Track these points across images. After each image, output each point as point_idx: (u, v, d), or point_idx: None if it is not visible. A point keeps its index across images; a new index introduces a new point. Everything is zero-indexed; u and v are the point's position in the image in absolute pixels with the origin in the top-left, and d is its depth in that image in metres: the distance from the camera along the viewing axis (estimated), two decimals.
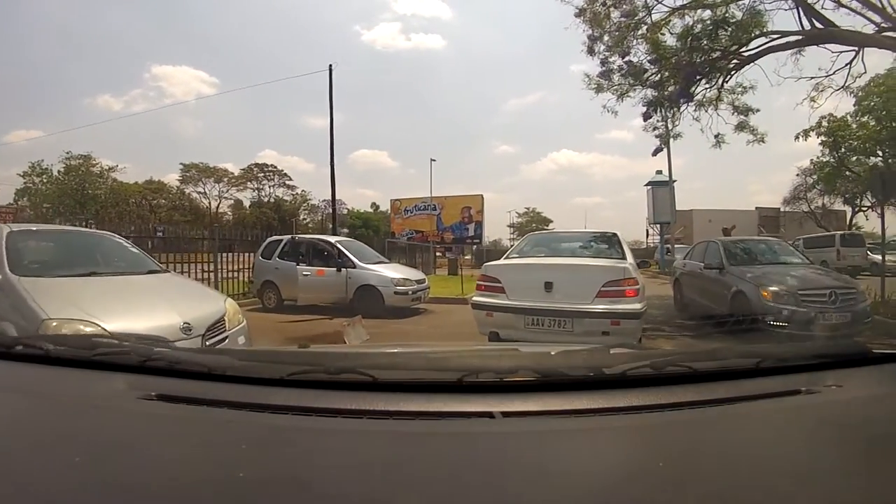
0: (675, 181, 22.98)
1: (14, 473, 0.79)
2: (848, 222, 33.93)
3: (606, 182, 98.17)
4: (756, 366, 1.17)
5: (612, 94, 12.41)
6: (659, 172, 24.94)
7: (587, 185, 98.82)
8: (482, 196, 34.91)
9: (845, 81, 11.79)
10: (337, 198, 20.14)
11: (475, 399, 1.01)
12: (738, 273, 7.71)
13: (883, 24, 9.39)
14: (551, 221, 60.18)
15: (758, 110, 12.25)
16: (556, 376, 1.11)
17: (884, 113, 21.32)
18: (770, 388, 1.09)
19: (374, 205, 60.60)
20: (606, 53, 11.89)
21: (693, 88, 11.18)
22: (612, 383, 1.08)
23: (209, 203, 58.73)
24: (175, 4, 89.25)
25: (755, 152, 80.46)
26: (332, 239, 11.53)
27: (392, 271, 10.68)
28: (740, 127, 12.24)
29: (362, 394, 1.02)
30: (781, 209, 44.13)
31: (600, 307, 5.11)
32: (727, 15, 10.33)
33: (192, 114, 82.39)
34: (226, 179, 59.40)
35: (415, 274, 11.43)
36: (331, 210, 24.78)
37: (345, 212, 59.57)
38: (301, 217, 62.14)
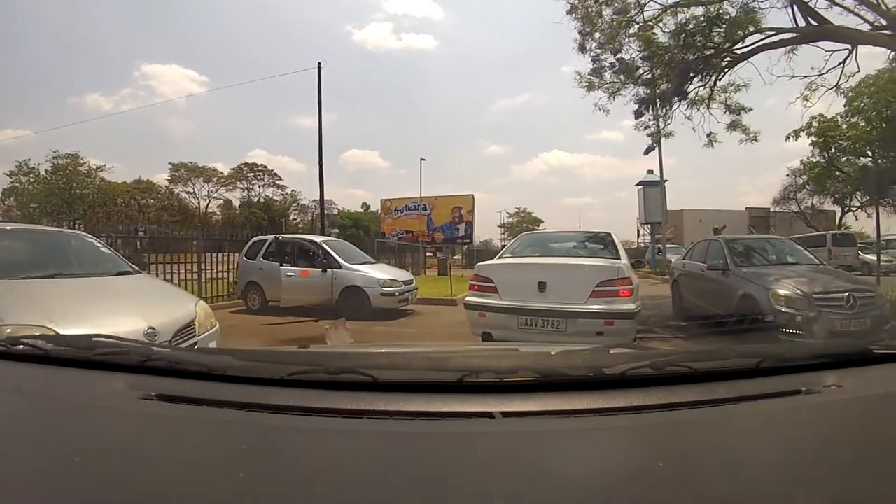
0: (666, 181, 22.83)
1: (14, 473, 0.79)
2: (837, 222, 34.10)
3: (597, 182, 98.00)
4: (756, 366, 1.17)
5: (604, 92, 12.31)
6: (650, 172, 24.88)
7: (578, 186, 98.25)
8: (472, 196, 34.88)
9: (838, 81, 11.78)
10: (328, 198, 20.03)
11: (475, 399, 1.01)
12: (745, 275, 7.08)
13: (877, 23, 9.30)
14: (542, 222, 60.14)
15: (750, 109, 12.17)
16: (556, 376, 1.11)
17: (874, 113, 21.43)
18: (770, 388, 1.09)
19: (364, 205, 60.34)
20: (598, 51, 11.78)
21: (686, 86, 11.06)
22: (612, 383, 1.08)
23: (198, 203, 58.37)
24: (165, 3, 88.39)
25: (745, 153, 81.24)
26: (318, 239, 11.32)
27: (378, 272, 10.47)
28: (733, 126, 12.10)
29: (362, 394, 1.02)
30: (771, 209, 44.33)
31: (594, 307, 5.05)
32: (721, 12, 10.20)
33: (182, 113, 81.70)
34: (215, 179, 58.85)
35: (402, 274, 11.25)
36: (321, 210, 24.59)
37: (335, 212, 59.39)
38: (291, 217, 61.79)
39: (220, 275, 12.26)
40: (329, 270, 9.91)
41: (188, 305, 4.26)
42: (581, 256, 6.07)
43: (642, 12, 10.98)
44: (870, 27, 9.53)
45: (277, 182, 62.40)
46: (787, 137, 24.31)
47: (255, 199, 61.23)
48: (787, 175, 37.03)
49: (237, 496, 0.71)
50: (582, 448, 0.87)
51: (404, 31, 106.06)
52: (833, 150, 25.33)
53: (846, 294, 6.13)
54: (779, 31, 10.22)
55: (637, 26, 11.12)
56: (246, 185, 61.43)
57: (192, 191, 57.98)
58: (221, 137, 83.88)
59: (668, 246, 24.63)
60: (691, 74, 10.92)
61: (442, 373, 1.14)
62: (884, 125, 21.37)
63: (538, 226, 50.66)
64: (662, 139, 13.37)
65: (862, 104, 21.38)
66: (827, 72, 11.49)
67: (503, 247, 11.15)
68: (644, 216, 26.74)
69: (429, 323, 9.63)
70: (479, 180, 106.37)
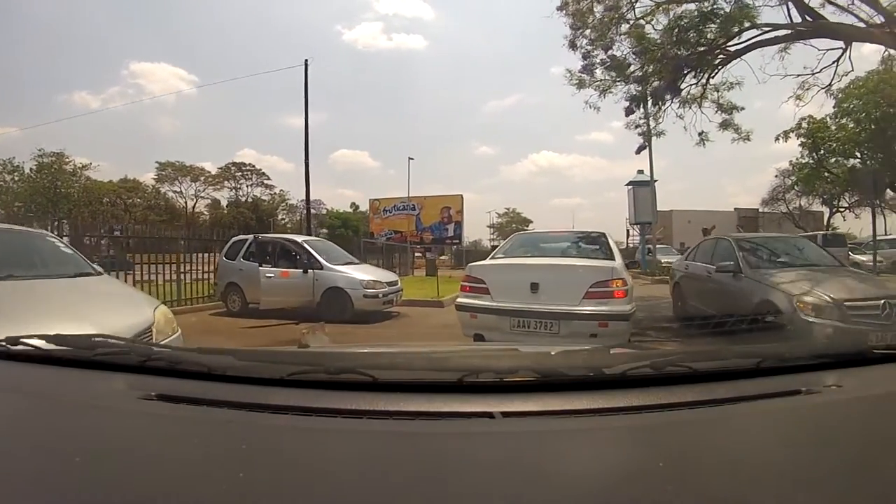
0: (656, 180, 22.69)
1: (14, 473, 0.78)
2: (826, 223, 34.29)
3: (586, 183, 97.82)
4: (756, 366, 1.17)
5: (594, 90, 12.13)
6: (640, 172, 24.71)
7: (567, 187, 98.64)
8: (461, 196, 34.79)
9: (832, 80, 11.66)
10: (317, 198, 19.87)
11: (475, 399, 1.01)
12: (762, 278, 6.28)
13: (871, 21, 9.16)
14: (531, 222, 60.22)
15: (742, 108, 12.02)
16: (556, 376, 1.11)
17: (863, 115, 21.49)
18: (770, 388, 1.09)
19: (353, 205, 59.84)
20: (589, 48, 11.59)
21: (680, 82, 10.88)
22: (612, 383, 1.08)
23: (185, 202, 58.00)
24: (155, 1, 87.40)
25: (733, 155, 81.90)
26: (300, 238, 10.95)
27: (361, 273, 10.16)
28: (725, 125, 11.95)
29: (362, 394, 1.02)
30: (760, 210, 44.60)
31: (588, 308, 4.97)
32: (715, 7, 9.99)
33: (170, 112, 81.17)
34: (202, 178, 58.51)
35: (386, 275, 10.94)
36: (311, 209, 24.26)
37: (324, 212, 59.17)
38: (279, 217, 61.50)
39: (204, 275, 12.08)
40: (310, 271, 9.59)
41: (146, 310, 3.98)
42: (574, 257, 5.97)
43: (633, 8, 10.80)
44: (864, 25, 9.39)
45: (266, 182, 62.28)
46: (777, 139, 24.40)
47: (243, 199, 61.02)
48: (776, 176, 37.35)
49: (237, 496, 0.71)
50: (582, 448, 0.87)
51: (395, 31, 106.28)
52: (822, 152, 25.43)
53: (882, 301, 5.32)
54: (774, 27, 10.08)
55: (628, 25, 10.95)
56: (234, 185, 61.24)
57: (179, 190, 57.71)
58: (210, 137, 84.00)
59: (657, 246, 24.48)
60: (685, 70, 10.70)
61: (442, 373, 1.14)
62: (873, 127, 21.51)
63: (527, 226, 50.57)
64: (653, 138, 13.24)
65: (851, 106, 21.49)
66: (820, 71, 11.42)
67: (493, 247, 10.93)
68: (634, 216, 26.52)
69: (414, 326, 9.39)
70: (468, 181, 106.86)
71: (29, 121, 68.05)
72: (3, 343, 1.31)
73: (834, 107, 20.94)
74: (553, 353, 1.40)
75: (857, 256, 20.59)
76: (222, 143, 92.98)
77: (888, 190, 24.74)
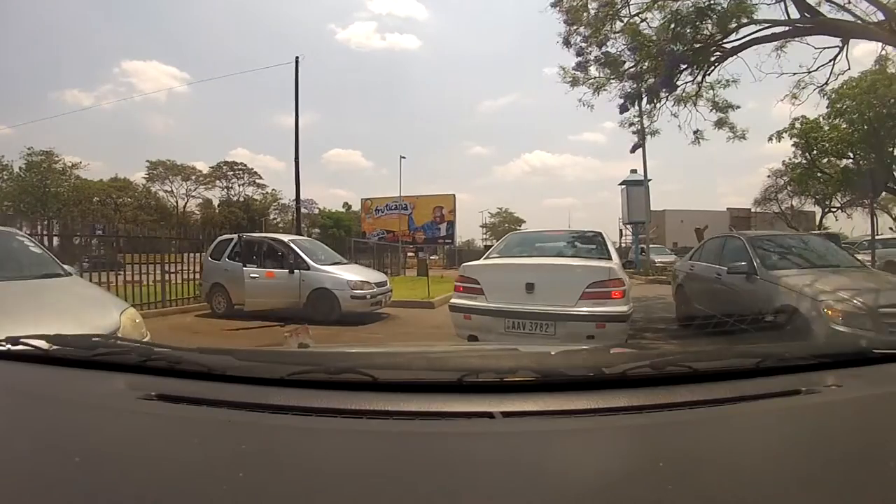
0: (650, 180, 22.57)
1: (14, 473, 0.79)
2: (818, 223, 34.37)
3: (579, 183, 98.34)
4: (756, 366, 1.17)
5: (588, 87, 11.99)
6: (633, 171, 24.60)
7: (560, 186, 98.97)
8: (454, 195, 34.75)
9: (828, 78, 11.57)
10: (309, 198, 19.75)
11: (475, 399, 1.01)
12: (780, 280, 5.61)
13: (868, 19, 9.04)
14: (524, 222, 60.44)
15: (738, 107, 11.90)
16: (556, 376, 1.11)
17: (856, 116, 21.51)
18: (770, 388, 1.08)
19: (346, 204, 59.54)
20: (583, 44, 11.44)
21: (676, 78, 10.71)
22: (612, 383, 1.07)
23: (176, 202, 57.50)
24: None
25: (724, 155, 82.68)
26: (286, 238, 10.65)
27: (349, 273, 9.88)
28: (720, 123, 11.88)
29: (362, 394, 1.02)
30: (752, 210, 44.73)
31: (584, 309, 4.84)
32: (713, 2, 9.77)
33: (162, 111, 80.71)
34: (194, 178, 58.01)
35: (375, 276, 10.64)
36: (303, 209, 24.07)
37: (316, 211, 58.88)
38: (271, 216, 60.95)
39: (192, 276, 11.80)
40: (296, 272, 9.34)
41: (112, 313, 3.87)
42: (571, 256, 5.83)
43: (628, 5, 10.67)
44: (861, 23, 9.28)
45: (258, 181, 61.64)
46: (770, 139, 24.40)
47: (235, 199, 60.49)
48: (769, 176, 37.45)
49: (237, 496, 0.70)
50: (582, 448, 0.87)
51: (388, 31, 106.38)
52: (815, 152, 25.42)
53: None
54: (772, 22, 9.98)
55: (622, 22, 10.78)
56: (225, 184, 60.76)
57: (170, 189, 57.19)
58: (203, 136, 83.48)
59: (651, 246, 24.39)
60: (681, 66, 10.54)
61: (442, 373, 1.14)
62: (865, 127, 21.54)
63: (520, 226, 50.64)
64: (647, 138, 13.09)
65: (845, 106, 21.49)
66: (816, 69, 11.30)
67: (486, 247, 10.71)
68: (627, 215, 26.40)
69: (403, 328, 9.11)
70: (461, 181, 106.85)
71: (19, 119, 67.54)
72: (3, 343, 1.31)
73: (827, 107, 21.02)
74: (553, 353, 1.41)
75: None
76: (215, 143, 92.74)
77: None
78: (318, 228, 50.98)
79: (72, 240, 10.75)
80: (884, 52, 11.22)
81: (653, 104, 11.83)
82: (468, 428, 0.92)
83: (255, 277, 9.18)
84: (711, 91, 11.78)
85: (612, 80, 11.81)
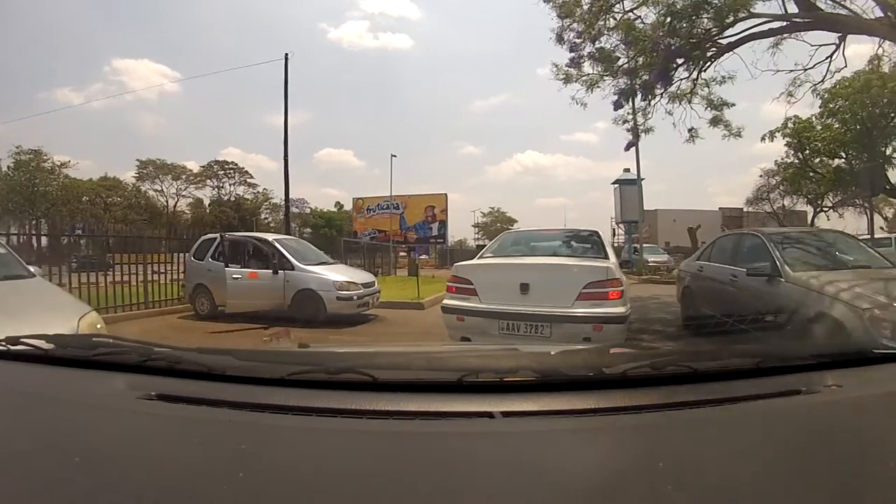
0: (643, 179, 22.43)
1: (14, 473, 0.79)
2: (810, 222, 34.45)
3: (571, 183, 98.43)
4: (756, 366, 1.16)
5: (581, 84, 11.82)
6: (626, 170, 24.54)
7: (552, 186, 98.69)
8: (446, 195, 34.62)
9: (824, 76, 11.46)
10: (301, 197, 19.43)
11: (475, 399, 1.01)
12: (810, 284, 4.86)
13: (865, 16, 8.91)
14: (516, 221, 60.24)
15: (733, 104, 11.74)
16: (556, 376, 1.11)
17: (848, 116, 21.54)
18: (770, 388, 1.08)
19: (338, 204, 59.53)
20: (576, 40, 11.23)
21: (672, 73, 10.55)
22: (612, 383, 1.07)
23: (166, 201, 57.21)
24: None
25: (715, 155, 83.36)
26: (270, 237, 10.24)
27: (335, 273, 9.51)
28: (715, 121, 11.72)
29: (362, 394, 1.02)
30: (744, 209, 44.88)
31: (581, 311, 4.69)
32: None
33: (153, 110, 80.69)
34: (184, 177, 57.69)
35: (362, 276, 10.26)
36: (294, 209, 23.83)
37: (308, 211, 58.58)
38: (262, 216, 60.67)
39: (179, 276, 11.37)
40: (280, 272, 8.97)
41: (69, 319, 3.68)
42: (567, 256, 5.65)
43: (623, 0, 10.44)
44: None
45: (249, 180, 61.27)
46: (763, 138, 24.37)
47: (226, 198, 60.14)
48: (761, 176, 37.53)
49: (237, 496, 0.71)
50: (582, 448, 0.87)
51: (380, 30, 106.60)
52: (807, 151, 25.43)
53: None
54: (770, 17, 9.79)
55: (616, 18, 10.61)
56: (216, 184, 60.39)
57: (160, 189, 56.88)
58: (194, 135, 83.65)
59: (644, 245, 24.30)
60: (677, 60, 10.34)
61: (442, 373, 1.15)
62: (858, 127, 21.57)
63: (512, 226, 50.35)
64: (641, 135, 12.92)
65: (837, 106, 21.51)
66: (813, 67, 11.16)
67: (478, 247, 10.46)
68: (620, 215, 26.35)
69: (391, 331, 8.79)
70: (454, 180, 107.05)
71: (7, 117, 66.80)
72: (3, 343, 1.30)
73: (820, 107, 21.04)
74: (553, 352, 1.41)
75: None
76: (206, 142, 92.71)
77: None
78: (309, 228, 50.76)
79: (59, 239, 10.50)
80: (881, 50, 11.10)
81: (647, 101, 11.67)
82: (468, 428, 0.92)
83: (237, 278, 8.89)
84: (707, 88, 11.66)
85: (605, 77, 11.70)
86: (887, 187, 20.28)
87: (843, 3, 9.34)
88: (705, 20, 9.82)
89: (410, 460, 0.82)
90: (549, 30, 11.45)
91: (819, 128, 23.74)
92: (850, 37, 10.55)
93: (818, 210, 33.35)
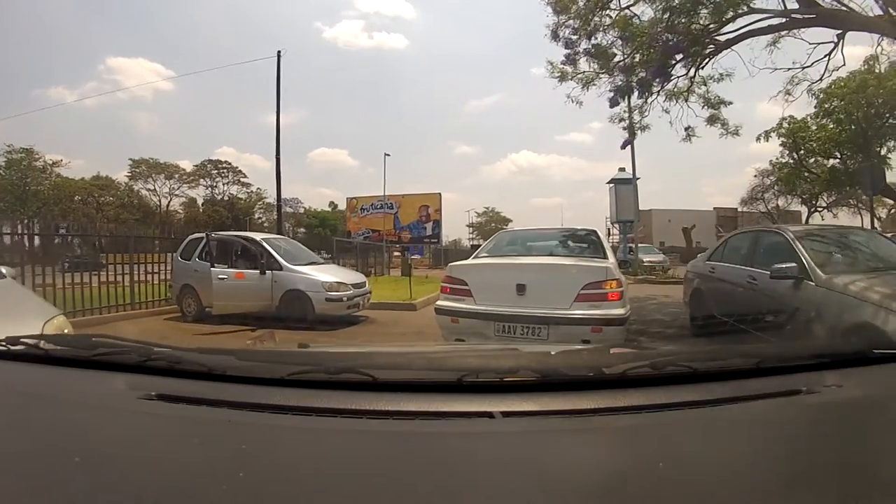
0: (638, 178, 22.28)
1: (14, 473, 0.79)
2: (805, 222, 34.48)
3: (565, 183, 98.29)
4: (756, 366, 1.16)
5: (577, 82, 11.62)
6: (622, 170, 24.35)
7: (546, 186, 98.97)
8: (440, 194, 34.42)
9: (822, 75, 11.36)
10: (294, 196, 19.19)
11: (475, 399, 1.01)
12: (848, 289, 4.16)
13: (864, 13, 8.77)
14: (511, 221, 60.14)
15: (730, 103, 11.63)
16: (556, 376, 1.11)
17: (843, 116, 21.54)
18: (770, 388, 1.08)
19: (332, 203, 59.31)
20: (572, 36, 11.08)
21: (670, 68, 10.39)
22: (612, 383, 1.07)
23: (159, 201, 56.91)
24: None
25: (710, 155, 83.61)
26: (258, 236, 9.96)
27: (324, 274, 9.22)
28: (712, 120, 11.59)
29: (362, 394, 1.02)
30: (739, 209, 44.92)
31: (580, 312, 4.51)
32: None
33: (148, 108, 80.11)
34: (177, 176, 57.42)
35: (352, 276, 9.96)
36: (288, 208, 23.59)
37: (301, 210, 58.21)
38: (256, 215, 60.31)
39: (168, 277, 10.89)
40: (268, 272, 8.69)
41: (33, 323, 3.33)
42: (564, 256, 5.51)
43: None
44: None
45: (242, 180, 60.94)
46: (758, 138, 24.37)
47: (220, 198, 59.81)
48: (755, 176, 37.63)
49: (237, 496, 0.71)
50: (582, 448, 0.87)
51: (375, 30, 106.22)
52: (802, 151, 25.42)
53: None
54: (770, 12, 9.64)
55: (613, 14, 10.45)
56: (209, 183, 60.05)
57: (153, 188, 56.57)
58: (188, 134, 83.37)
59: (639, 245, 24.17)
60: (678, 57, 10.18)
61: (442, 372, 1.15)
62: (853, 127, 21.58)
63: (507, 225, 50.17)
64: (636, 134, 12.77)
65: (833, 106, 21.49)
66: (811, 65, 11.03)
67: (473, 247, 10.22)
68: (615, 214, 26.12)
69: (381, 333, 8.45)
70: (448, 180, 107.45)
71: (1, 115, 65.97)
72: (3, 343, 1.30)
73: (815, 107, 20.99)
74: (553, 352, 1.40)
75: None
76: (200, 141, 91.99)
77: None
78: (303, 227, 50.44)
79: (50, 239, 10.27)
80: (880, 49, 10.99)
81: (644, 98, 11.53)
82: (468, 428, 0.92)
83: (223, 278, 8.62)
84: (704, 86, 11.64)
85: (601, 75, 11.58)
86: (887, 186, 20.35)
87: (842, 1, 9.22)
88: (704, 16, 9.65)
89: (410, 460, 0.82)
90: (545, 26, 11.40)
91: (814, 128, 23.78)
92: (845, 38, 10.43)
93: (812, 210, 33.42)
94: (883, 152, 21.34)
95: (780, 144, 25.57)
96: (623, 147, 14.44)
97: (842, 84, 19.69)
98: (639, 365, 1.10)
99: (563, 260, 5.26)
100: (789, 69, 11.71)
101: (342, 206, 46.72)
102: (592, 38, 10.90)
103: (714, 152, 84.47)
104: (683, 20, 9.56)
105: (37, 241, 9.71)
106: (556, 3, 10.87)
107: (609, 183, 26.04)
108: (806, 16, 9.31)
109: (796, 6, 9.23)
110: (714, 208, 50.22)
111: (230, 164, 60.91)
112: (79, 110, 68.58)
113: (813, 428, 0.99)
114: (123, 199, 52.71)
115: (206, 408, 0.98)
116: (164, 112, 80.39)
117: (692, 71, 11.05)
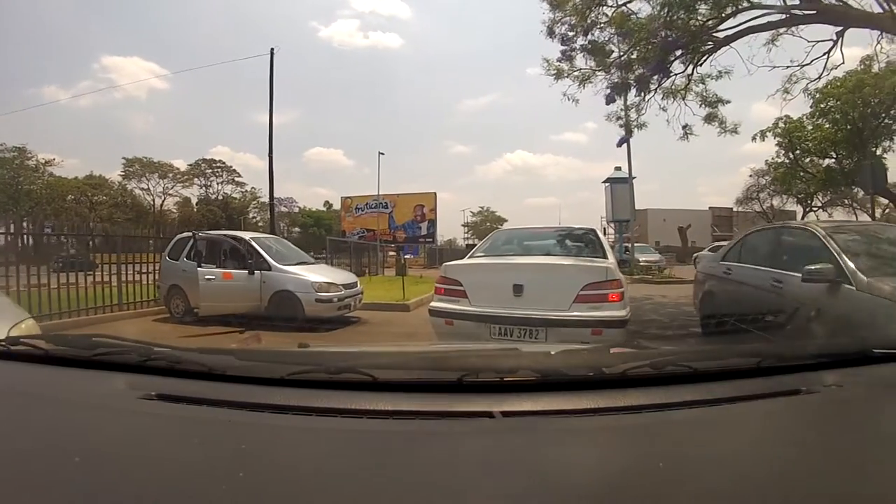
0: (634, 177, 22.13)
1: (14, 473, 0.79)
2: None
3: (560, 183, 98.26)
4: (756, 366, 1.16)
5: (573, 80, 11.48)
6: (618, 169, 24.21)
7: (541, 186, 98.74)
8: (435, 194, 34.40)
9: (821, 73, 11.26)
10: (290, 196, 18.91)
11: (475, 399, 1.01)
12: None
13: (863, 10, 8.66)
14: (506, 221, 60.00)
15: (728, 101, 11.51)
16: (556, 376, 1.11)
17: (839, 116, 21.55)
18: (770, 388, 1.08)
19: (326, 203, 59.12)
20: (569, 32, 10.94)
21: (670, 64, 10.23)
22: (612, 383, 1.07)
23: (153, 200, 56.51)
24: None
25: (704, 155, 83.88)
26: (246, 236, 9.72)
27: (314, 274, 8.97)
28: (710, 118, 11.46)
29: (362, 393, 1.02)
30: (734, 209, 44.98)
31: (579, 314, 4.34)
32: None
33: (142, 108, 79.37)
34: (171, 175, 56.98)
35: (343, 276, 9.71)
36: (283, 208, 23.38)
37: (297, 210, 58.00)
38: (250, 215, 59.89)
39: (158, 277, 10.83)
40: (257, 272, 8.45)
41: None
42: (563, 255, 5.29)
43: None
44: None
45: (236, 179, 60.42)
46: (754, 138, 24.41)
47: (214, 197, 59.36)
48: (751, 175, 37.62)
49: (237, 496, 0.71)
50: (582, 448, 0.87)
51: (371, 29, 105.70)
52: (798, 151, 25.41)
53: None
54: (770, 8, 9.50)
55: (610, 10, 10.31)
56: (204, 182, 59.62)
57: (146, 187, 56.08)
58: (183, 134, 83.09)
59: (635, 245, 24.04)
60: (677, 52, 10.02)
61: (442, 372, 1.14)
62: (849, 127, 21.57)
63: (502, 225, 49.97)
64: (633, 131, 12.63)
65: (828, 106, 21.48)
66: (810, 63, 10.91)
67: (468, 246, 10.00)
68: (611, 214, 25.94)
69: (373, 335, 8.22)
70: (443, 180, 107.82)
71: None
72: (3, 343, 1.30)
73: (811, 106, 21.03)
74: (553, 352, 1.40)
75: None
76: (195, 140, 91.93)
77: (860, 189, 24.90)
78: (298, 227, 50.21)
79: (40, 239, 10.04)
80: (879, 47, 10.88)
81: (641, 95, 11.39)
82: (468, 428, 0.92)
83: (210, 279, 8.32)
84: (702, 84, 11.51)
85: (598, 72, 11.42)
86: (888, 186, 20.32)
87: None
88: (703, 11, 9.49)
89: (410, 460, 0.82)
90: (541, 22, 11.19)
91: (810, 127, 23.80)
92: (844, 36, 10.31)
93: (808, 209, 33.46)
94: (878, 152, 21.35)
95: (776, 144, 25.63)
96: (619, 145, 14.34)
97: (838, 84, 19.73)
98: (639, 365, 1.10)
99: (561, 260, 5.06)
100: (788, 67, 11.65)
101: (337, 205, 46.65)
102: (589, 34, 10.74)
103: (709, 152, 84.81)
104: (682, 15, 9.39)
105: (28, 240, 9.42)
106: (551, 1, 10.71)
107: (605, 182, 25.89)
108: (806, 12, 9.16)
109: (797, 2, 9.10)
110: (709, 208, 50.27)
111: (224, 163, 60.56)
112: (73, 109, 68.11)
113: (813, 428, 0.99)
114: (117, 199, 52.36)
115: (206, 408, 0.98)
116: (159, 111, 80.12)
117: (690, 68, 10.91)
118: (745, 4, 9.35)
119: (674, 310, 8.50)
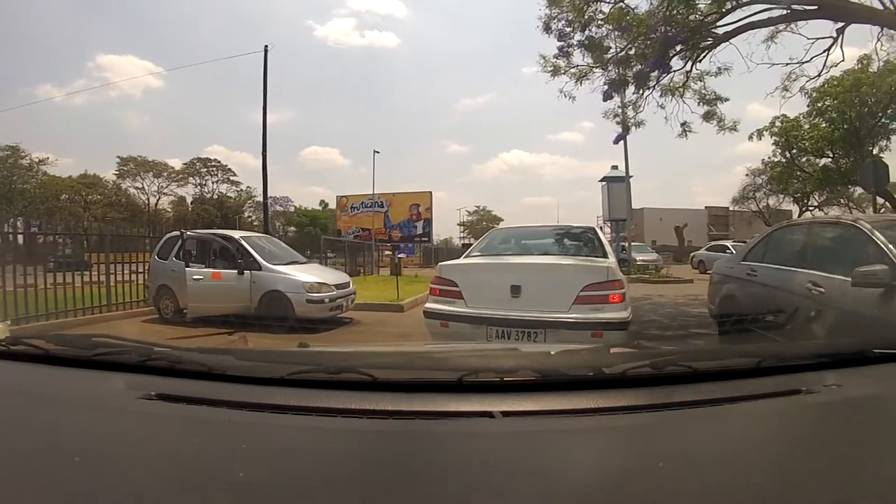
0: (631, 176, 22.05)
1: (14, 473, 0.79)
2: None
3: (557, 182, 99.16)
4: (756, 366, 1.16)
5: (570, 77, 11.32)
6: (614, 168, 24.12)
7: (537, 185, 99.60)
8: (430, 193, 34.25)
9: (821, 70, 11.19)
10: (285, 195, 18.73)
11: (475, 399, 1.01)
12: None
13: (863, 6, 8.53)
14: (502, 220, 60.08)
15: (727, 99, 11.35)
16: (556, 376, 1.11)
17: (836, 115, 21.55)
18: (770, 388, 1.08)
19: (322, 202, 59.01)
20: (566, 29, 10.74)
21: (669, 59, 10.03)
22: (611, 383, 1.07)
23: (147, 199, 56.40)
24: None
25: (700, 155, 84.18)
26: (236, 234, 9.49)
27: (305, 274, 8.77)
28: (708, 116, 11.32)
29: (362, 393, 1.02)
30: (730, 209, 45.01)
31: (579, 316, 4.18)
32: None
33: (137, 107, 79.37)
34: (166, 174, 56.88)
35: (335, 276, 9.52)
36: (278, 207, 23.15)
37: (292, 209, 57.78)
38: (246, 214, 59.78)
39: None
40: (247, 272, 8.26)
41: None
42: (562, 255, 5.15)
43: None
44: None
45: (232, 178, 60.16)
46: (751, 137, 24.30)
47: (209, 196, 59.19)
48: (747, 175, 37.65)
49: (237, 496, 0.70)
50: (582, 448, 0.87)
51: (367, 29, 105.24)
52: (794, 150, 25.37)
53: None
54: (771, 3, 9.16)
55: (603, 14, 10.14)
56: (199, 181, 59.40)
57: (141, 186, 55.90)
58: (178, 133, 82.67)
59: (632, 244, 23.99)
60: (677, 47, 9.86)
61: (442, 372, 1.14)
62: (846, 126, 21.51)
63: (498, 224, 49.83)
64: (631, 129, 12.47)
65: (825, 105, 21.43)
66: (809, 60, 10.80)
67: (464, 246, 9.81)
68: (608, 213, 25.84)
69: (366, 336, 8.04)
70: (440, 179, 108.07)
71: None
72: (3, 343, 1.30)
73: (808, 105, 21.11)
74: (553, 352, 1.40)
75: None
76: (190, 140, 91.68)
77: (856, 189, 24.86)
78: (294, 226, 50.03)
79: (33, 238, 9.88)
80: (879, 44, 10.77)
81: (639, 92, 11.21)
82: (468, 428, 0.92)
83: (198, 279, 8.15)
84: (700, 81, 11.27)
85: (595, 69, 11.23)
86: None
87: None
88: (703, 6, 9.34)
89: (410, 460, 0.81)
90: (537, 18, 11.04)
91: (807, 127, 23.75)
92: (844, 34, 10.19)
93: (804, 209, 33.47)
94: (875, 151, 21.31)
95: (773, 143, 25.59)
96: (616, 142, 14.23)
97: (835, 83, 19.68)
98: (638, 365, 1.10)
99: (560, 259, 4.91)
100: (787, 64, 11.55)
101: (333, 204, 46.46)
102: (586, 29, 10.58)
103: (704, 152, 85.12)
104: (682, 10, 9.23)
105: (18, 239, 9.23)
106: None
107: (602, 181, 25.81)
108: (807, 7, 9.02)
109: None
110: (705, 207, 50.31)
111: (220, 162, 60.39)
112: (67, 108, 67.89)
113: (813, 428, 0.99)
114: (111, 198, 52.26)
115: (206, 407, 0.98)
116: (154, 110, 80.00)
117: (689, 65, 10.77)
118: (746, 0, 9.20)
119: (672, 310, 8.38)
